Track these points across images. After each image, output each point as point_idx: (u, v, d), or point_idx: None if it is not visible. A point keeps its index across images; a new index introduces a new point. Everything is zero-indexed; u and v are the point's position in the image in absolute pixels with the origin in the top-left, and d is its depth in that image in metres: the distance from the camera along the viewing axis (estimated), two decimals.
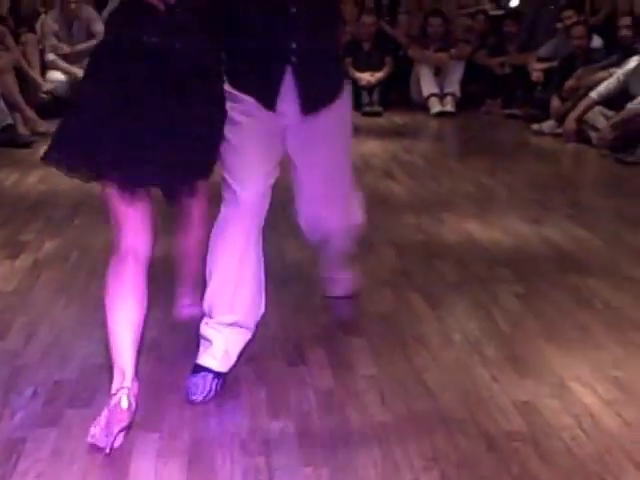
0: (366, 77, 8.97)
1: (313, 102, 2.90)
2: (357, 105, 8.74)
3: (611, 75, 7.32)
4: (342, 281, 3.63)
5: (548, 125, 7.79)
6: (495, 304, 3.68)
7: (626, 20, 7.79)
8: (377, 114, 8.73)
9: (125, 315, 2.61)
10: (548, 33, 8.91)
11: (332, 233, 3.29)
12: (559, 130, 7.58)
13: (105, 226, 4.60)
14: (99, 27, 8.39)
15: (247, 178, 2.85)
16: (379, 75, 9.04)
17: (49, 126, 7.54)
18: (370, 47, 9.17)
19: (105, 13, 8.83)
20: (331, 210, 3.18)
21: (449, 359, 3.14)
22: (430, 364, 3.09)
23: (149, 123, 2.56)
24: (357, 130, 7.75)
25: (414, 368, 3.05)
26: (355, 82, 8.91)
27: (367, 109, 8.77)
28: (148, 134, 2.56)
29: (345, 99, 3.07)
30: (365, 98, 8.87)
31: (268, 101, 2.84)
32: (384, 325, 3.45)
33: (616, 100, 7.12)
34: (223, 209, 2.90)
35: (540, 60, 8.66)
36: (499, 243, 4.58)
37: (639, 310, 3.63)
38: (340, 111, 3.03)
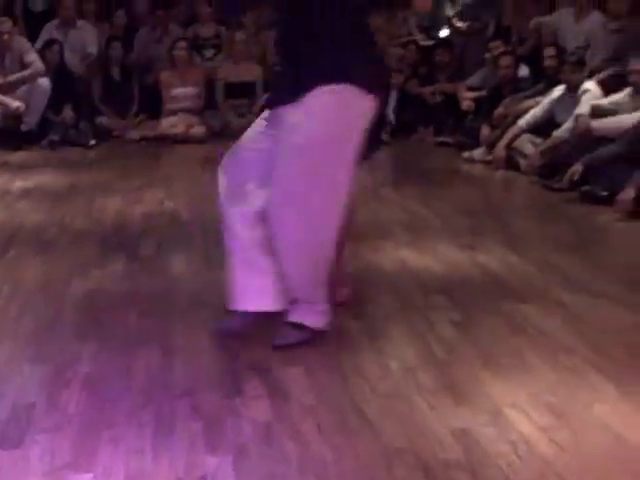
0: None
1: None
2: None
3: (538, 104, 7.48)
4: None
5: (478, 152, 7.91)
6: (431, 332, 3.70)
7: (550, 50, 7.97)
8: None
9: None
10: (477, 63, 9.07)
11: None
12: (489, 157, 7.71)
13: (38, 259, 4.61)
14: (32, 57, 8.33)
15: None
16: None
17: None
18: None
19: (38, 44, 8.81)
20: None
21: (387, 388, 3.14)
22: (368, 394, 3.09)
23: None
24: None
25: (352, 398, 3.05)
26: None
27: None
28: None
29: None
30: None
31: None
32: (322, 354, 3.44)
33: (543, 128, 7.28)
34: None
35: (470, 89, 8.81)
36: (434, 270, 4.62)
37: (569, 334, 3.68)
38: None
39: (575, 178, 6.25)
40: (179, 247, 5.00)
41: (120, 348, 3.46)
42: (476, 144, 8.03)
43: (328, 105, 3.21)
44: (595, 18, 8.41)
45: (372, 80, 3.27)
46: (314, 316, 3.51)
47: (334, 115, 3.21)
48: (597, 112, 6.70)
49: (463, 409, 2.97)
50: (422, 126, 9.12)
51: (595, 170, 6.23)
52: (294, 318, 3.50)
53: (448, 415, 2.92)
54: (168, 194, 6.29)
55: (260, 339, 3.57)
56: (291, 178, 3.26)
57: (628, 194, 5.71)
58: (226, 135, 8.96)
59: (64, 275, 4.41)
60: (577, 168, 6.25)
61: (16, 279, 4.34)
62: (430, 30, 10.30)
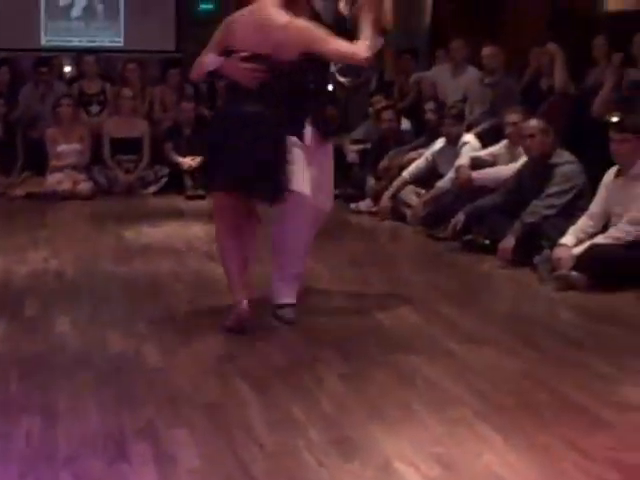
0: (188, 161, 9.00)
1: None
2: (180, 189, 8.83)
3: (420, 156, 7.67)
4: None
5: (364, 204, 8.03)
6: (319, 385, 3.70)
7: (430, 104, 8.21)
8: (201, 197, 8.73)
9: None
10: (361, 116, 9.20)
11: None
12: (375, 208, 7.82)
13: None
14: None
15: None
16: (200, 159, 9.06)
17: None
18: (191, 132, 9.24)
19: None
20: None
21: (275, 446, 3.11)
22: (256, 453, 3.04)
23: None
24: (181, 214, 7.82)
25: (239, 457, 3.00)
26: (178, 166, 8.97)
27: (190, 193, 8.76)
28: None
29: None
30: (188, 182, 8.87)
31: None
32: (209, 414, 3.39)
33: (426, 179, 7.47)
34: None
35: (354, 142, 8.93)
36: (322, 323, 4.63)
37: (456, 385, 3.72)
38: None
39: (458, 227, 6.39)
40: (64, 306, 4.89)
41: None
42: (362, 195, 8.14)
43: None
44: (471, 73, 8.70)
45: None
46: None
47: None
48: (476, 163, 6.91)
49: (353, 464, 2.96)
50: None
51: (477, 219, 6.39)
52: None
53: (337, 471, 2.91)
54: (53, 252, 6.15)
55: (144, 399, 3.51)
56: None
57: (509, 242, 5.87)
58: (113, 191, 8.91)
59: None
60: (459, 218, 6.39)
61: None
62: None
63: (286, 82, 4.39)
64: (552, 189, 5.95)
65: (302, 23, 4.38)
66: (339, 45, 4.39)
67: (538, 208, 5.91)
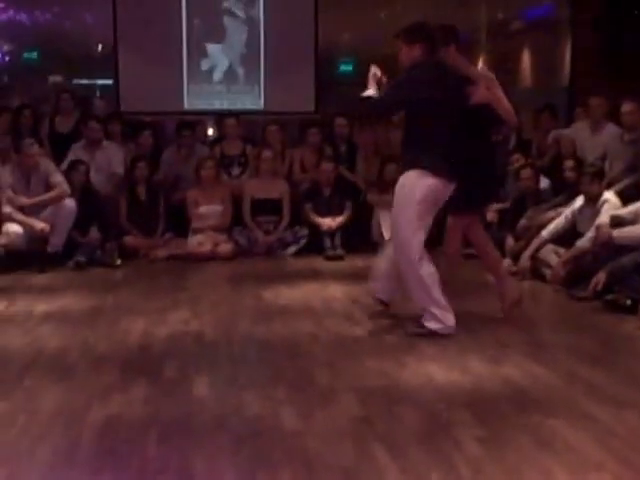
0: (327, 222, 9.14)
1: None
2: (319, 250, 8.93)
3: (559, 214, 7.55)
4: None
5: (504, 263, 7.91)
6: (456, 449, 3.66)
7: (570, 162, 8.11)
8: (339, 258, 8.83)
9: None
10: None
11: None
12: (514, 268, 7.72)
13: (57, 386, 4.56)
14: (57, 179, 8.45)
15: None
16: (340, 220, 9.21)
17: (4, 281, 7.52)
18: (330, 192, 9.38)
19: (64, 165, 9.00)
20: None
21: None
22: None
23: None
24: (319, 274, 7.90)
25: None
26: (317, 227, 9.09)
27: (330, 253, 8.88)
28: None
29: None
30: (327, 243, 9.00)
31: None
32: (346, 479, 3.39)
33: (566, 238, 7.33)
34: None
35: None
36: (459, 384, 4.59)
37: (599, 450, 3.62)
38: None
39: (599, 287, 6.26)
40: (203, 369, 4.94)
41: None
42: (502, 255, 8.04)
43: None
44: (611, 130, 8.55)
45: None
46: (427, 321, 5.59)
47: None
48: (617, 222, 6.75)
49: None
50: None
51: (619, 279, 6.24)
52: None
53: None
54: (193, 314, 6.28)
55: (280, 462, 3.52)
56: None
57: None
58: (253, 252, 9.08)
59: (83, 402, 4.30)
60: (600, 277, 6.26)
61: (33, 408, 4.22)
62: None
63: None
64: None
65: None
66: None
67: None
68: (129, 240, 8.93)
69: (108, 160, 9.41)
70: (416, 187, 5.51)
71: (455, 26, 6.05)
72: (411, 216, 5.52)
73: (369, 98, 5.62)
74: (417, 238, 5.54)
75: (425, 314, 5.62)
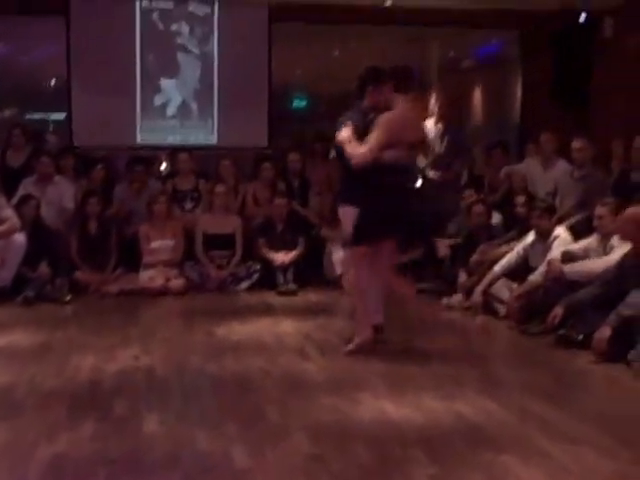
0: (280, 257, 9.11)
1: None
2: (272, 285, 8.89)
3: (512, 249, 7.61)
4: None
5: (456, 299, 7.96)
6: None
7: (521, 198, 8.20)
8: (292, 293, 8.78)
9: None
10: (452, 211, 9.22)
11: None
12: (467, 303, 7.75)
13: (3, 424, 4.43)
14: (7, 213, 8.35)
15: None
16: (293, 254, 9.19)
17: None
18: (283, 227, 9.37)
19: (14, 200, 8.90)
20: None
21: None
22: None
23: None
24: (272, 309, 7.87)
25: None
26: (270, 262, 9.06)
27: (282, 288, 8.84)
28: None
29: None
30: (280, 278, 8.96)
31: None
32: None
33: (518, 273, 7.38)
34: None
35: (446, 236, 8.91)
36: (413, 421, 4.56)
37: None
38: None
39: (556, 321, 6.29)
40: (154, 405, 4.89)
41: None
42: (454, 290, 8.08)
43: None
44: (562, 166, 8.69)
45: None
46: None
47: None
48: (568, 257, 6.82)
49: None
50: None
51: (575, 313, 6.27)
52: None
53: None
54: (144, 349, 6.20)
55: None
56: None
57: (605, 333, 5.74)
58: (205, 287, 9.01)
59: (30, 440, 4.22)
60: (558, 311, 6.29)
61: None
62: None
63: None
64: None
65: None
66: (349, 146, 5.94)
67: (638, 299, 5.77)
68: (80, 275, 8.82)
69: (59, 195, 9.32)
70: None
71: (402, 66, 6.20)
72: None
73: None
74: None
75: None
